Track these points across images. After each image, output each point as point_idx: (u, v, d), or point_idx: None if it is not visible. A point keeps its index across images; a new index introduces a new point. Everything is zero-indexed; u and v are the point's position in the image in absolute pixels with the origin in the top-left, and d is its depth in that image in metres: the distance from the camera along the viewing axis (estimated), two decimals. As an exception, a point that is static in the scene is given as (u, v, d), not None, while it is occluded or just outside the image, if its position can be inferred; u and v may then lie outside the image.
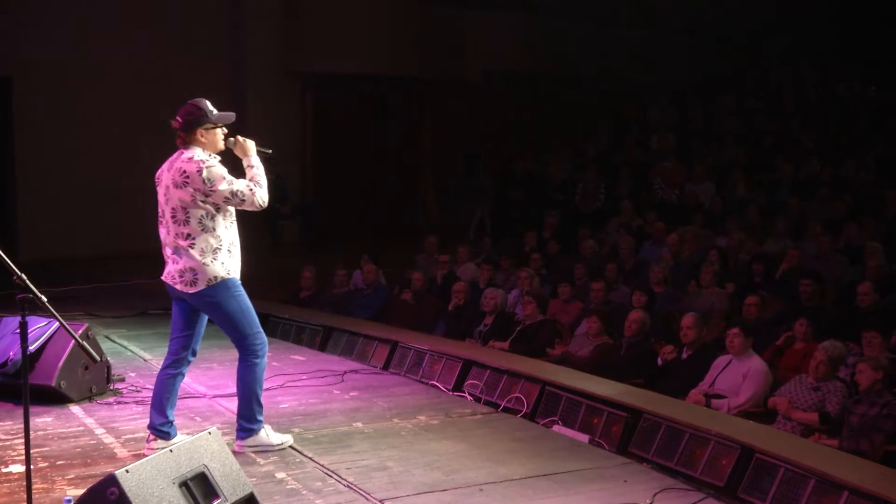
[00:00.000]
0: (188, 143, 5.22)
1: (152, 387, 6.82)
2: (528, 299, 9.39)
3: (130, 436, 5.78)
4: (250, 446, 5.38)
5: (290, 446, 5.52)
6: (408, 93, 16.98)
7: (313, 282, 11.64)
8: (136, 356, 8.17)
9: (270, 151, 5.46)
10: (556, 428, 6.43)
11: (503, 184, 16.38)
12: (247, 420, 5.39)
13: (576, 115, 17.74)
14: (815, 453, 5.36)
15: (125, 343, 8.68)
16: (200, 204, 5.09)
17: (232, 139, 5.35)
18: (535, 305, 9.30)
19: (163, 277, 5.34)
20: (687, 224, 12.42)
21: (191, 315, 5.40)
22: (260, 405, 5.41)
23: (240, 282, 5.30)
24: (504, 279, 11.18)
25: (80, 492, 4.07)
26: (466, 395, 7.17)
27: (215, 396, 6.75)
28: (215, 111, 5.25)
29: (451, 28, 16.77)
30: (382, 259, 12.00)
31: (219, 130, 5.28)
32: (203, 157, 5.15)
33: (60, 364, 6.40)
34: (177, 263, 5.20)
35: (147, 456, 4.78)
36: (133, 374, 7.36)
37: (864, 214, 11.56)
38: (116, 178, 14.17)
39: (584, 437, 6.18)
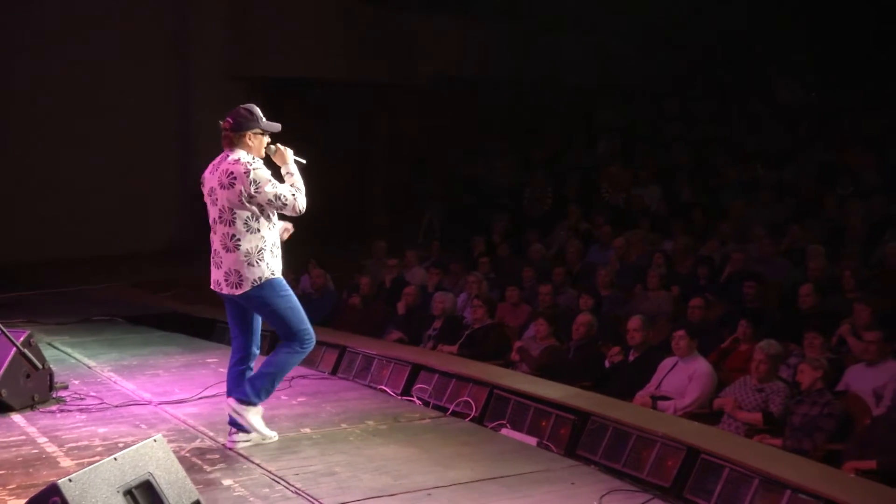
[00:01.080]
0: (235, 144, 5.34)
1: (96, 394, 6.83)
2: (479, 303, 9.41)
3: (73, 444, 5.68)
4: (237, 413, 5.44)
5: (237, 452, 5.48)
6: (356, 97, 16.94)
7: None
8: (79, 363, 8.04)
9: (304, 162, 5.58)
10: (504, 431, 6.45)
11: (452, 188, 16.41)
12: (253, 389, 5.44)
13: (524, 120, 17.83)
14: (758, 453, 5.44)
15: (68, 350, 8.53)
16: (246, 205, 5.22)
17: (272, 147, 5.50)
18: (485, 310, 9.33)
19: (212, 287, 5.49)
20: (633, 227, 12.54)
21: (244, 313, 5.53)
22: (273, 387, 5.50)
23: (284, 280, 5.45)
24: (452, 283, 11.20)
25: (22, 502, 4.00)
26: (415, 399, 7.16)
27: (161, 403, 6.66)
28: (264, 119, 5.42)
29: (400, 32, 16.76)
30: (330, 264, 11.95)
31: (265, 138, 5.43)
32: (248, 159, 5.29)
33: (1, 372, 6.26)
34: (220, 267, 5.35)
35: (230, 448, 5.48)
36: (77, 382, 7.23)
37: (805, 217, 11.76)
38: (59, 182, 13.99)
39: (533, 440, 6.21)
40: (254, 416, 5.50)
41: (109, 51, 14.49)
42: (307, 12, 15.65)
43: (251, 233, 5.27)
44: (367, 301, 10.87)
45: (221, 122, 5.38)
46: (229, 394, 5.60)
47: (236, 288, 5.30)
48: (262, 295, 5.31)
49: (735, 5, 17.27)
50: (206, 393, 6.87)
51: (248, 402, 5.46)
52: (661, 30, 17.58)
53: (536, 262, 11.61)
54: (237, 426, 5.57)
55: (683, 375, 7.39)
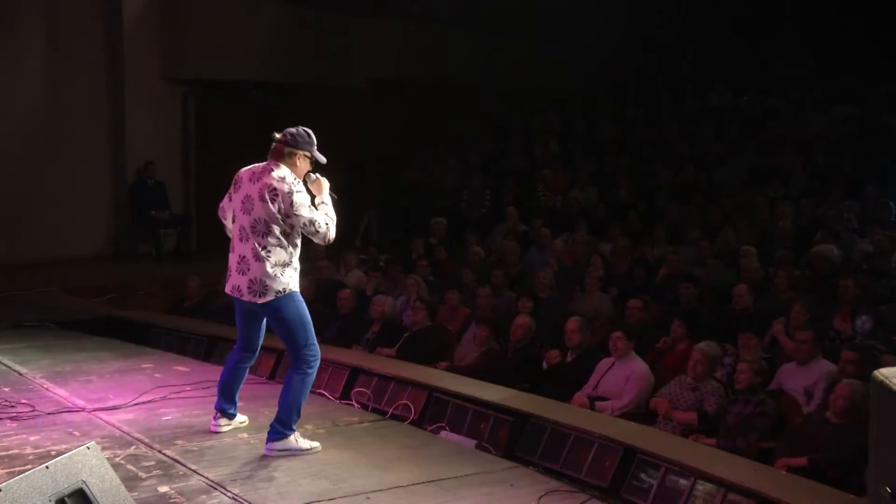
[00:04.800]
0: (283, 159, 5.51)
1: (28, 401, 6.69)
2: (420, 306, 9.40)
3: (4, 453, 5.56)
4: (279, 450, 5.52)
5: (174, 459, 5.42)
6: (293, 100, 16.82)
7: (198, 291, 11.43)
8: (10, 370, 7.86)
9: (336, 197, 5.73)
10: (443, 434, 6.47)
11: (390, 191, 16.38)
12: (282, 425, 5.55)
13: (461, 123, 17.86)
14: (693, 452, 5.53)
15: (-1, 357, 8.36)
16: (282, 222, 5.42)
17: (312, 175, 5.66)
18: (425, 312, 9.31)
19: (227, 291, 5.68)
20: (571, 230, 12.64)
21: (255, 318, 5.76)
22: (299, 414, 5.60)
23: (300, 295, 5.63)
24: (391, 286, 11.17)
25: (-50, 513, 3.90)
26: (354, 402, 7.14)
27: (95, 410, 6.55)
28: (316, 147, 5.61)
29: (336, 35, 16.67)
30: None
31: (309, 164, 5.60)
32: (292, 180, 5.46)
33: (-72, 380, 6.13)
34: (244, 275, 5.50)
35: (213, 432, 5.88)
36: (7, 389, 7.08)
37: (737, 219, 11.95)
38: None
39: (471, 443, 6.23)
40: (293, 441, 5.58)
41: (38, 50, 14.17)
42: (243, 14, 15.48)
43: (282, 247, 5.46)
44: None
45: (276, 134, 5.55)
46: (222, 405, 5.94)
47: (259, 297, 5.46)
48: (281, 306, 5.49)
49: (668, 12, 17.52)
50: (140, 399, 6.78)
51: (283, 437, 5.55)
52: (596, 34, 17.74)
53: (475, 265, 11.64)
54: (223, 412, 5.93)
55: (620, 376, 7.47)
